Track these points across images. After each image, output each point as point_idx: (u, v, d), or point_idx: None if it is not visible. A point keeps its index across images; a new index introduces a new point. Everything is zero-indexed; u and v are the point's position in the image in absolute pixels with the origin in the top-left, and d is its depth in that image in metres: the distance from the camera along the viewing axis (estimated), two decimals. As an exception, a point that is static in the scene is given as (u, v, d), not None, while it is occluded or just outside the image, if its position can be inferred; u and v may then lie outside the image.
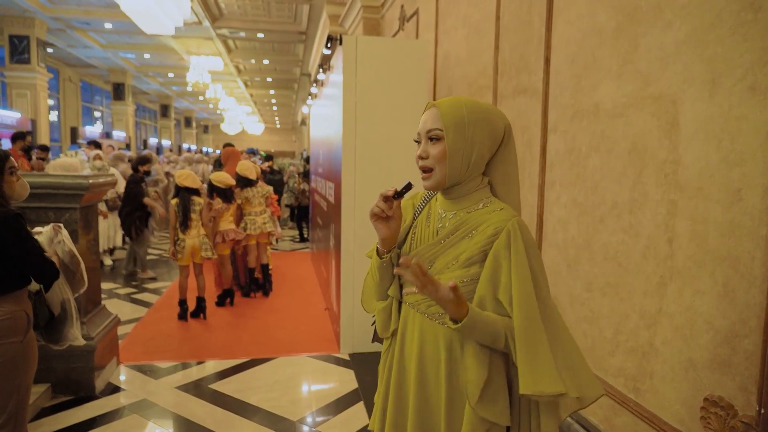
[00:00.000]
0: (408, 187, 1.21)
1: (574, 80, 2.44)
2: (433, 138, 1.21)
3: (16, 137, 7.58)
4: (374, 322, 1.45)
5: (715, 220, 1.64)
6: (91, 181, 3.22)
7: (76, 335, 2.28)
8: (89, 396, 3.26)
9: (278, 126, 40.92)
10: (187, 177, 4.71)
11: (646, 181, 1.96)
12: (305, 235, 9.45)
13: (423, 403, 1.27)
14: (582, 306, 2.36)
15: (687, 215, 1.76)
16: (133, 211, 6.24)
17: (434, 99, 4.62)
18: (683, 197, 1.77)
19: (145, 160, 6.63)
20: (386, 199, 1.21)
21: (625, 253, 2.07)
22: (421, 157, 1.23)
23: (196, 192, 4.71)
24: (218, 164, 7.09)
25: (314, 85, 6.09)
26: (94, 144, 9.10)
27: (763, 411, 1.45)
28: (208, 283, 5.10)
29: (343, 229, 4.01)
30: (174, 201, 4.69)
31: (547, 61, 2.65)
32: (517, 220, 1.19)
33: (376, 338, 1.46)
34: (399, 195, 1.21)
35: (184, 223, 4.62)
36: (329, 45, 3.81)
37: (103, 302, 3.90)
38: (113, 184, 3.70)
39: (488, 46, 3.40)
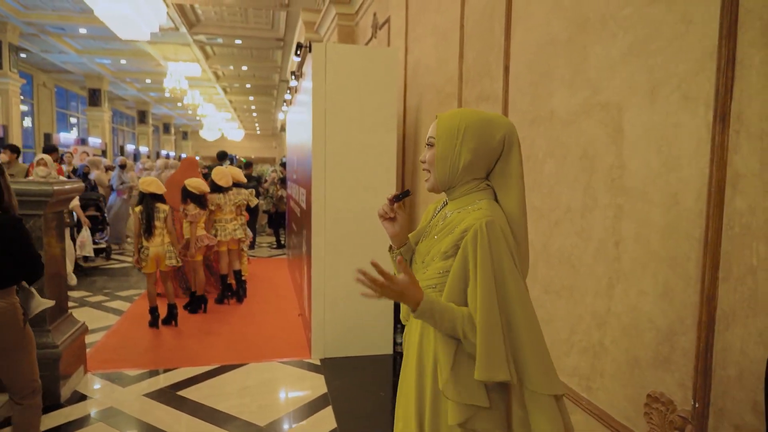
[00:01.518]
0: (405, 193, 1.43)
1: (531, 87, 2.51)
2: (429, 144, 1.38)
3: (50, 150, 7.46)
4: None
5: (656, 223, 1.71)
6: (55, 187, 3.20)
7: (39, 302, 2.47)
8: (54, 404, 3.22)
9: (258, 132, 40.73)
10: (151, 183, 4.65)
11: (596, 186, 2.03)
12: (282, 242, 9.43)
13: (420, 392, 1.34)
14: (540, 308, 2.42)
15: (632, 218, 1.82)
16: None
17: (404, 105, 4.68)
18: (628, 201, 1.84)
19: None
20: (391, 201, 1.41)
21: (578, 256, 2.13)
22: (422, 161, 1.40)
23: (160, 198, 4.66)
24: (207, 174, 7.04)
25: (288, 91, 6.11)
26: (49, 150, 8.79)
27: (697, 405, 1.52)
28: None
29: (313, 234, 4.04)
30: (138, 208, 4.61)
31: (507, 69, 2.72)
32: (488, 220, 1.25)
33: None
34: (397, 199, 1.40)
35: (148, 230, 4.54)
36: (298, 52, 3.84)
37: (70, 310, 3.88)
38: (80, 190, 3.67)
39: (454, 54, 3.47)
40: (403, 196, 1.42)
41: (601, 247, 1.99)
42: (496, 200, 1.35)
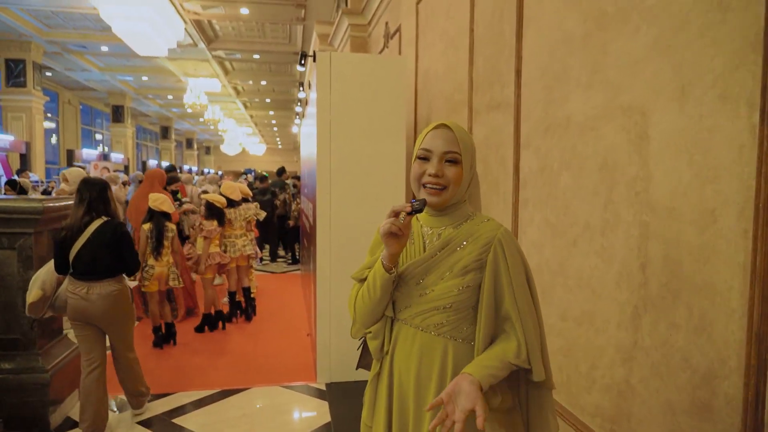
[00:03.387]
0: (423, 203, 1.24)
1: (545, 92, 2.29)
2: (451, 160, 1.26)
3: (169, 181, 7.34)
4: (359, 347, 1.51)
5: (689, 244, 1.46)
6: (46, 204, 3.06)
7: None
8: (43, 432, 3.06)
9: (279, 146, 41.07)
10: (163, 201, 4.54)
11: (617, 201, 1.78)
12: (297, 257, 9.27)
13: (419, 421, 1.29)
14: (557, 336, 2.17)
15: (660, 238, 1.57)
16: None
17: (415, 116, 4.48)
18: (655, 218, 1.59)
19: (174, 180, 6.20)
20: (402, 214, 1.24)
21: (599, 278, 1.88)
22: (436, 176, 1.26)
23: (169, 217, 4.54)
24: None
25: (299, 104, 5.97)
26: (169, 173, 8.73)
27: (746, 467, 1.25)
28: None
29: (318, 251, 3.84)
30: (147, 226, 4.47)
31: (518, 73, 2.50)
32: (505, 229, 1.29)
33: (361, 364, 1.49)
34: (415, 211, 1.24)
35: (157, 249, 4.43)
36: (303, 62, 3.68)
37: (65, 332, 3.73)
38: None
39: (463, 60, 3.26)
40: (422, 207, 1.24)
41: (624, 271, 1.74)
42: None
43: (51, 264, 2.96)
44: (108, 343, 3.09)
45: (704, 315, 1.40)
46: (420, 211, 1.24)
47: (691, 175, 1.45)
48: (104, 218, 2.94)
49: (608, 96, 1.84)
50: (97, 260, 2.86)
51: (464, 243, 1.26)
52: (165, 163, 26.95)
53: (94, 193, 2.94)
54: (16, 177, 8.43)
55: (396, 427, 1.35)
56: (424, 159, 1.28)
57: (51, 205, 3.12)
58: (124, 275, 3.02)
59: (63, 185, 5.34)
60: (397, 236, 1.24)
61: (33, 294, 2.87)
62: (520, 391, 1.33)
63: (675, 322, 1.51)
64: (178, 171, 21.55)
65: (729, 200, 1.32)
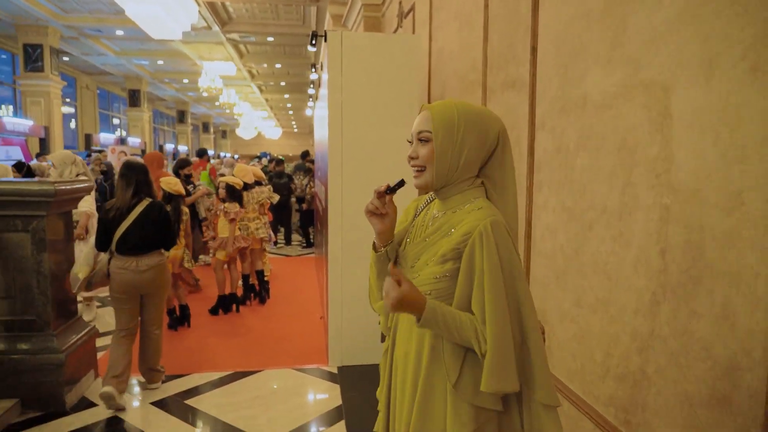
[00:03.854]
0: (400, 184, 1.26)
1: (561, 70, 2.19)
2: (423, 140, 1.25)
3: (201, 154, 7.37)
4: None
5: (712, 229, 1.38)
6: (58, 187, 3.06)
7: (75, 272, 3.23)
8: (59, 412, 3.10)
9: (295, 130, 41.06)
10: (176, 183, 4.54)
11: (636, 183, 1.70)
12: (312, 240, 9.27)
13: (401, 398, 1.31)
14: (571, 323, 2.10)
15: (681, 222, 1.49)
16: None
17: (429, 96, 4.39)
18: (677, 201, 1.51)
19: (185, 163, 6.19)
20: (380, 195, 1.27)
21: (616, 265, 1.81)
22: (411, 157, 1.27)
23: (182, 200, 4.56)
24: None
25: (311, 86, 5.90)
26: (200, 154, 8.78)
27: (768, 463, 1.19)
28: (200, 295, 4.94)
29: (329, 233, 3.80)
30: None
31: (534, 50, 2.40)
32: (492, 220, 1.17)
33: (383, 338, 1.49)
34: (391, 191, 1.26)
35: (176, 232, 4.45)
36: (314, 42, 3.61)
37: (94, 311, 3.76)
38: (88, 190, 3.54)
39: (478, 39, 3.15)
40: (398, 186, 1.27)
41: (642, 256, 1.67)
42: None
43: (91, 242, 3.28)
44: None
45: (727, 303, 1.33)
46: (394, 191, 1.26)
47: (717, 155, 1.36)
48: (149, 199, 3.26)
49: (628, 72, 1.74)
50: (146, 237, 3.20)
51: (452, 230, 1.22)
52: (183, 148, 27.11)
53: (141, 176, 3.25)
54: (23, 160, 8.48)
55: (391, 402, 1.39)
56: (410, 143, 1.30)
57: (63, 188, 3.13)
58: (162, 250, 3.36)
59: (51, 171, 5.34)
60: (377, 216, 1.28)
61: (84, 270, 3.16)
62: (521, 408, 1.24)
63: (696, 310, 1.43)
64: (217, 156, 21.30)
65: (758, 182, 1.24)
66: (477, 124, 1.23)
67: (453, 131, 1.22)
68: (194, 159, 9.57)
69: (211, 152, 30.10)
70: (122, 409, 3.13)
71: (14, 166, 6.86)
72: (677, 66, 1.51)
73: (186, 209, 4.57)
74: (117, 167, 7.32)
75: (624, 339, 1.76)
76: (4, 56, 14.98)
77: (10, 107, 15.23)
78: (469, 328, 1.16)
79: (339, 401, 3.33)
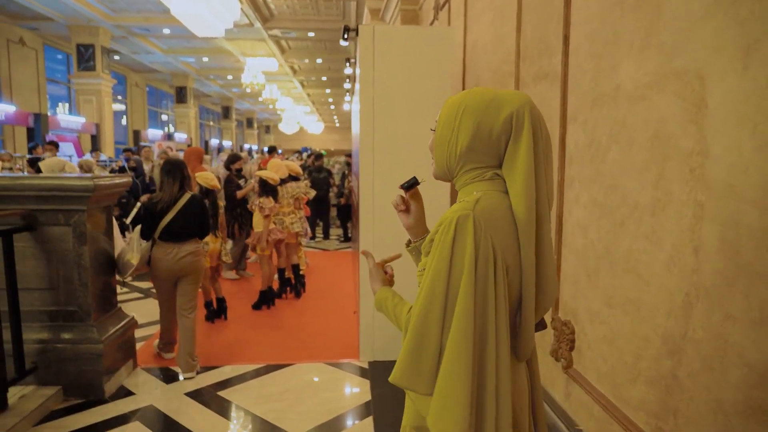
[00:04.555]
0: (412, 181, 1.27)
1: (594, 61, 2.10)
2: (433, 129, 1.22)
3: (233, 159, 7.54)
4: None
5: (749, 227, 1.29)
6: (96, 182, 3.17)
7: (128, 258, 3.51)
8: (98, 400, 3.22)
9: (337, 125, 41.34)
10: (212, 178, 4.64)
11: (669, 177, 1.61)
12: (349, 234, 9.32)
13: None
14: (602, 324, 2.02)
15: (716, 219, 1.40)
16: (233, 210, 5.93)
17: (463, 89, 4.31)
18: (712, 197, 1.42)
19: (236, 158, 6.29)
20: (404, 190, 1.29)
21: (647, 263, 1.72)
22: (430, 148, 1.26)
23: (217, 194, 4.67)
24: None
25: (347, 80, 5.90)
26: (54, 145, 8.74)
27: (805, 482, 1.10)
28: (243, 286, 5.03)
29: (361, 228, 3.80)
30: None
31: (566, 39, 2.31)
32: (465, 214, 1.03)
33: None
34: (404, 187, 1.27)
35: (215, 225, 4.55)
36: (346, 36, 3.59)
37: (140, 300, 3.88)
38: (126, 185, 3.66)
39: (511, 30, 3.07)
40: (410, 184, 1.27)
41: (675, 255, 1.58)
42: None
43: (137, 232, 3.57)
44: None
45: (765, 306, 1.24)
46: (406, 187, 1.26)
47: (754, 148, 1.27)
48: (190, 192, 3.64)
49: (661, 61, 1.65)
50: (186, 226, 3.57)
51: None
52: (227, 143, 27.70)
53: (185, 172, 3.64)
54: (75, 155, 8.61)
55: None
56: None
57: (102, 183, 3.23)
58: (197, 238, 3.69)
59: (95, 168, 5.49)
60: (402, 211, 1.32)
61: (136, 257, 3.50)
62: None
63: (730, 313, 1.34)
64: (239, 150, 21.88)
65: (797, 176, 1.15)
66: (478, 111, 1.09)
67: (452, 119, 1.13)
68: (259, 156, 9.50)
69: (254, 147, 30.75)
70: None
71: (28, 161, 6.96)
72: (713, 52, 1.42)
73: (222, 203, 4.68)
74: (157, 161, 7.50)
75: (655, 341, 1.67)
76: (59, 56, 15.69)
77: (66, 105, 15.97)
78: (403, 321, 1.17)
79: (369, 396, 3.33)
